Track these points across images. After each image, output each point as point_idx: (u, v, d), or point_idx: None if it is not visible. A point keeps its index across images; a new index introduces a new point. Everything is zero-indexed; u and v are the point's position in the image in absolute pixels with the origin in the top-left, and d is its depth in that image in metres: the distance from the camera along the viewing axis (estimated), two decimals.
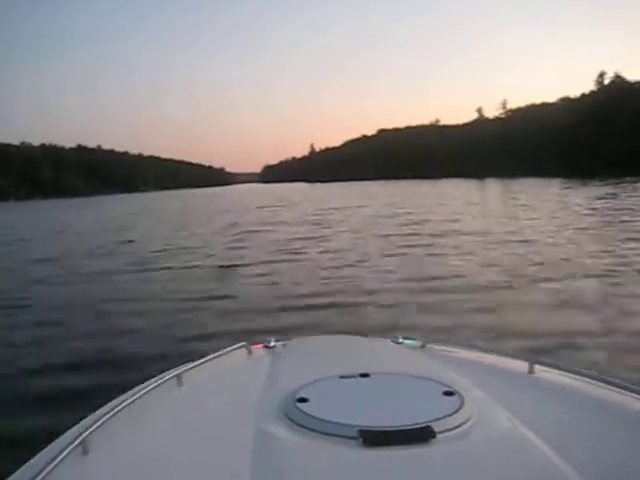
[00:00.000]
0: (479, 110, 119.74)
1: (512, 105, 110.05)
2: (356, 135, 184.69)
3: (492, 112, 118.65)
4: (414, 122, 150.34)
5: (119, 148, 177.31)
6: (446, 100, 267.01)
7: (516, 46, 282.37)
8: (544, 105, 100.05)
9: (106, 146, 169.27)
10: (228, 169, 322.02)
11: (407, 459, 1.02)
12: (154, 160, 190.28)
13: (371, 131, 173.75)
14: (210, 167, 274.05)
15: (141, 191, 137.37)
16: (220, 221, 25.53)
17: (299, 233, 17.54)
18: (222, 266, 11.93)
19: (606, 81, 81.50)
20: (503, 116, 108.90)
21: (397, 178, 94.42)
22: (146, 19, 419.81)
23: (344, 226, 19.34)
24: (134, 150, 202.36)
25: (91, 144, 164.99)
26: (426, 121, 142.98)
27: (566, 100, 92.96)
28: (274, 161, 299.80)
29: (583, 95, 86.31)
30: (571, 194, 29.89)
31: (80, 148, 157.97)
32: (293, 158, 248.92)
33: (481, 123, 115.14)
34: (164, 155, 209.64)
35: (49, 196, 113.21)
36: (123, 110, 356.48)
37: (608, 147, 68.69)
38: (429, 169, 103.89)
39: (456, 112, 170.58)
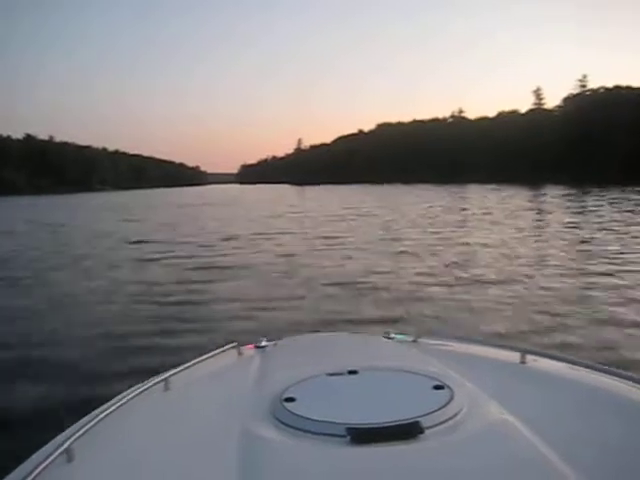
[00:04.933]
0: (537, 92, 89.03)
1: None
2: (352, 130, 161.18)
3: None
4: (424, 116, 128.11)
5: (81, 141, 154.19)
6: (467, 91, 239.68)
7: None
8: (622, 88, 78.46)
9: (69, 139, 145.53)
10: (203, 168, 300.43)
11: (395, 456, 1.00)
12: (119, 156, 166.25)
13: (369, 126, 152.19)
14: (182, 165, 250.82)
15: (97, 190, 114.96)
16: None
17: None
18: None
19: None
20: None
21: (403, 182, 74.49)
22: (133, 16, 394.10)
23: None
24: (98, 144, 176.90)
25: (43, 135, 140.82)
26: (445, 113, 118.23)
27: None
28: (253, 160, 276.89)
29: None
30: None
31: (29, 139, 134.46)
32: (274, 157, 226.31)
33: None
34: (132, 150, 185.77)
35: None
36: (94, 101, 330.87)
37: None
38: (450, 172, 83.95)
39: (478, 104, 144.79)
